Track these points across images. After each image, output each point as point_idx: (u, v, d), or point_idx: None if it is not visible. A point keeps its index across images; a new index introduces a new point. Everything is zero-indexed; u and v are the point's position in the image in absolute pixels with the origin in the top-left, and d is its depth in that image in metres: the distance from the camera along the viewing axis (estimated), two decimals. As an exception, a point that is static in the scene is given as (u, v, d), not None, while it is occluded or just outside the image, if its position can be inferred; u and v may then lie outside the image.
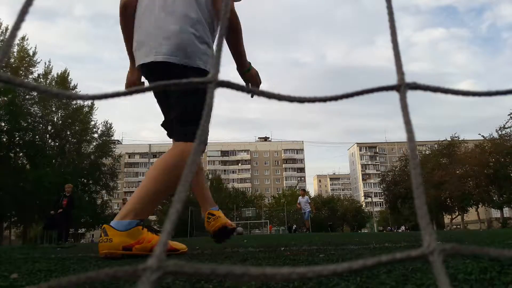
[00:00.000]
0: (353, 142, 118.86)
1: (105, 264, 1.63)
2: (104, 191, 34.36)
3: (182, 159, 2.25)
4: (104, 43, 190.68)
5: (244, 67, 2.60)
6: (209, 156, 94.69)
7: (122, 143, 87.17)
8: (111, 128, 34.25)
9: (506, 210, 43.42)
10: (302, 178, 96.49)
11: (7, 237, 35.75)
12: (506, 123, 34.00)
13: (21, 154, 28.29)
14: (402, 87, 0.30)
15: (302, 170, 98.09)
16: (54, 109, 30.98)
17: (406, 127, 0.29)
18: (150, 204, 2.17)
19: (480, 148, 36.45)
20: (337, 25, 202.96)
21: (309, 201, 16.05)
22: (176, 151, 2.31)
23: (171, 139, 2.48)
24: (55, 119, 31.24)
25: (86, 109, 32.30)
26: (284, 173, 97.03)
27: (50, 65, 31.20)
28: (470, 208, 38.15)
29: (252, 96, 2.43)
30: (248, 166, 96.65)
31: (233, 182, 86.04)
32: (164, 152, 2.45)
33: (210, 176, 59.84)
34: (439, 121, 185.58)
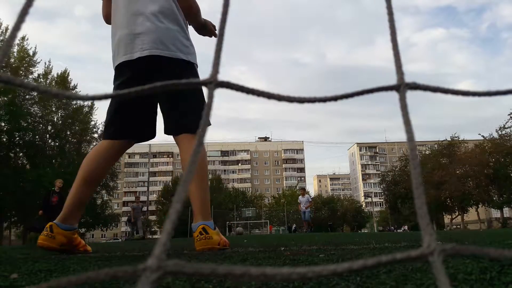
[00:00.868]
0: (353, 142, 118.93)
1: (105, 264, 1.63)
2: (104, 191, 34.33)
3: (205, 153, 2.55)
4: (104, 44, 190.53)
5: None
6: (209, 156, 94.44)
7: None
8: (111, 128, 34.22)
9: (506, 210, 43.42)
10: (302, 178, 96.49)
11: (7, 237, 35.76)
12: (506, 123, 34.05)
13: (21, 154, 28.28)
14: (401, 87, 0.30)
15: (302, 170, 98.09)
16: (54, 109, 30.95)
17: (405, 127, 0.29)
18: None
19: (480, 148, 36.46)
20: (337, 25, 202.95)
21: (310, 200, 15.83)
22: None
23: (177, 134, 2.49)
24: (55, 119, 31.22)
25: (86, 109, 32.29)
26: (284, 173, 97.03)
27: (50, 65, 31.18)
28: (470, 208, 38.16)
29: (210, 37, 2.59)
30: (248, 166, 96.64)
31: (233, 182, 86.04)
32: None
33: (210, 176, 59.83)
34: (439, 121, 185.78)
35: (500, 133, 34.81)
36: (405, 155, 45.32)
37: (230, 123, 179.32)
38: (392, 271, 0.98)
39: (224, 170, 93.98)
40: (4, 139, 26.07)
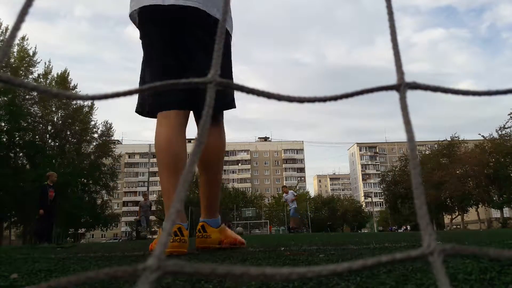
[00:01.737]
0: (353, 142, 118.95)
1: (105, 264, 1.63)
2: (104, 191, 34.34)
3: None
4: (104, 44, 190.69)
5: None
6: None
7: (122, 143, 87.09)
8: (111, 128, 34.25)
9: (506, 210, 43.40)
10: (302, 178, 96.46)
11: (7, 237, 35.73)
12: (506, 123, 34.04)
13: (21, 154, 28.27)
14: (402, 86, 0.30)
15: (302, 170, 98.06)
16: (54, 109, 30.96)
17: (406, 127, 0.29)
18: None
19: (480, 148, 36.46)
20: (337, 25, 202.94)
21: (295, 194, 15.53)
22: (224, 139, 2.30)
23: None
24: (55, 119, 31.22)
25: (86, 109, 32.31)
26: (284, 173, 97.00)
27: (50, 65, 31.19)
28: (470, 208, 38.17)
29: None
30: (248, 166, 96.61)
31: (233, 182, 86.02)
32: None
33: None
34: (439, 121, 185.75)
35: (500, 133, 34.83)
36: (405, 155, 45.34)
37: (230, 123, 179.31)
38: (392, 271, 0.98)
39: (224, 170, 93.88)
40: (4, 139, 26.05)
